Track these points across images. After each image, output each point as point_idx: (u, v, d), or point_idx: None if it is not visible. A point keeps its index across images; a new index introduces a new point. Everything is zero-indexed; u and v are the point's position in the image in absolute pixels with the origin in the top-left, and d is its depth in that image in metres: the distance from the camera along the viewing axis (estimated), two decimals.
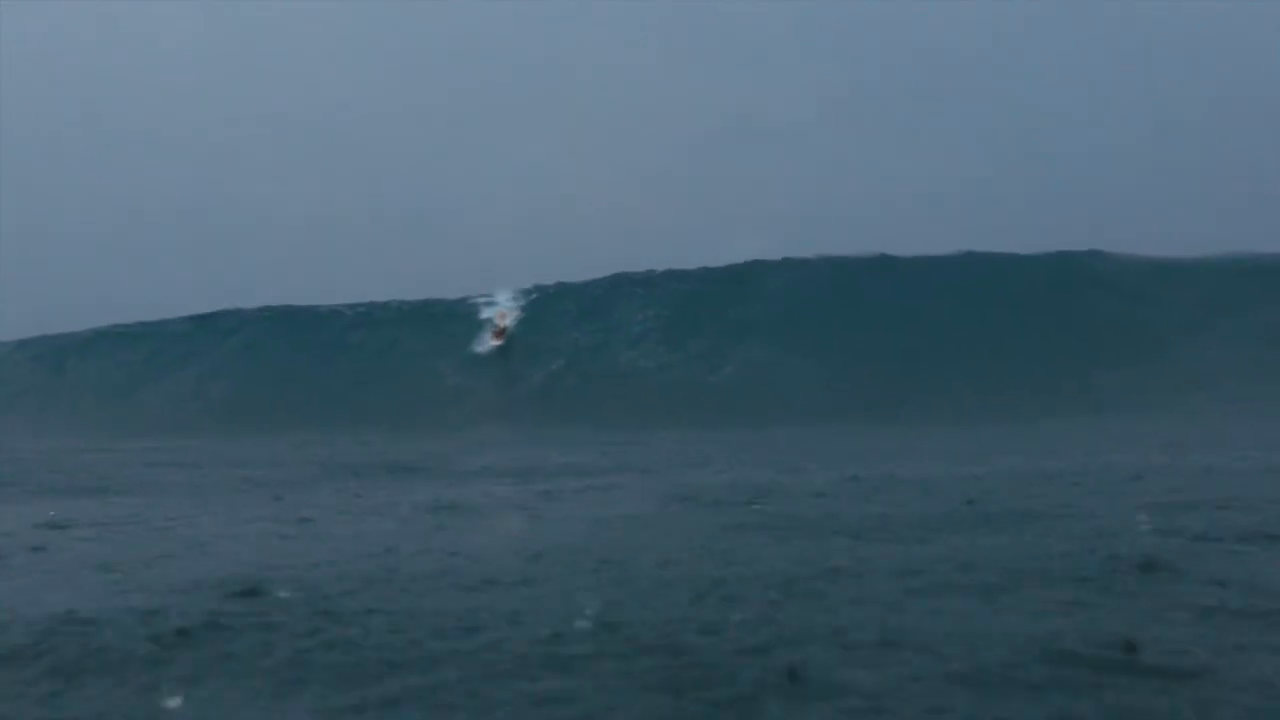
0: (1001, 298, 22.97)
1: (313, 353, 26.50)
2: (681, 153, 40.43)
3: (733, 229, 36.04)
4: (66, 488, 9.79)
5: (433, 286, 30.90)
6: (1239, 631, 3.17)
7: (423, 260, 37.54)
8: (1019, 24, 39.80)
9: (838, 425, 17.46)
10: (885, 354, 21.63)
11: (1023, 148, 38.07)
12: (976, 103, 41.10)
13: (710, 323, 24.32)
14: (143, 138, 40.37)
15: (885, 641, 3.09)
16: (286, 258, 37.90)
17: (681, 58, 41.72)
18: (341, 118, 43.57)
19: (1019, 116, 39.91)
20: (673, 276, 26.28)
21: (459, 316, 26.88)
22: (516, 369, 24.65)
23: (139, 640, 3.30)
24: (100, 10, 44.50)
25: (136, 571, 4.69)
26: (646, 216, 37.38)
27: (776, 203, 35.95)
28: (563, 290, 26.74)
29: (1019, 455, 10.64)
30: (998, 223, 36.86)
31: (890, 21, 43.09)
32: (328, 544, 5.48)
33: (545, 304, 26.49)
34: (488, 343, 25.76)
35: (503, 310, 26.54)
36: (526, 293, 26.90)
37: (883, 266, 24.96)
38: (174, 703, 2.76)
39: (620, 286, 26.41)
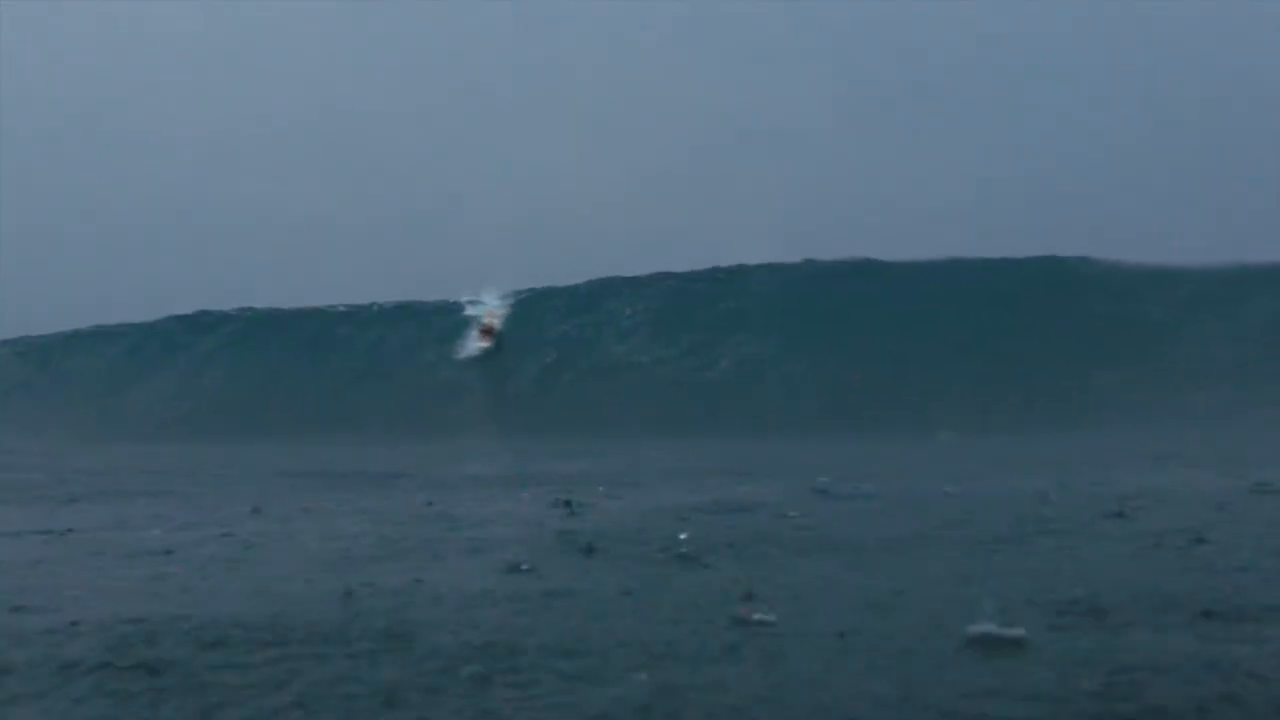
0: (989, 303, 22.69)
1: (295, 354, 26.24)
2: (670, 155, 40.14)
3: (719, 233, 35.73)
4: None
5: (426, 288, 30.53)
6: None
7: (414, 261, 37.17)
8: (1009, 29, 39.40)
9: (820, 433, 17.33)
10: (870, 360, 21.38)
11: (1012, 153, 37.74)
12: (964, 109, 40.74)
13: (696, 324, 24.11)
14: (138, 138, 39.99)
15: None
16: (274, 259, 37.47)
17: (679, 60, 41.39)
18: (336, 119, 43.12)
19: (1008, 122, 39.57)
20: (660, 278, 26.07)
21: (447, 315, 26.64)
22: (505, 369, 24.44)
23: None
24: (100, 10, 44.18)
25: None
26: (636, 219, 37.09)
27: (763, 206, 35.61)
28: (550, 291, 26.52)
29: (999, 471, 10.47)
30: (984, 227, 36.48)
31: (878, 27, 42.70)
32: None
33: (534, 304, 26.28)
34: (476, 343, 25.52)
35: (491, 310, 26.30)
36: (516, 293, 26.67)
37: (868, 271, 24.70)
38: None
39: (609, 287, 26.20)
